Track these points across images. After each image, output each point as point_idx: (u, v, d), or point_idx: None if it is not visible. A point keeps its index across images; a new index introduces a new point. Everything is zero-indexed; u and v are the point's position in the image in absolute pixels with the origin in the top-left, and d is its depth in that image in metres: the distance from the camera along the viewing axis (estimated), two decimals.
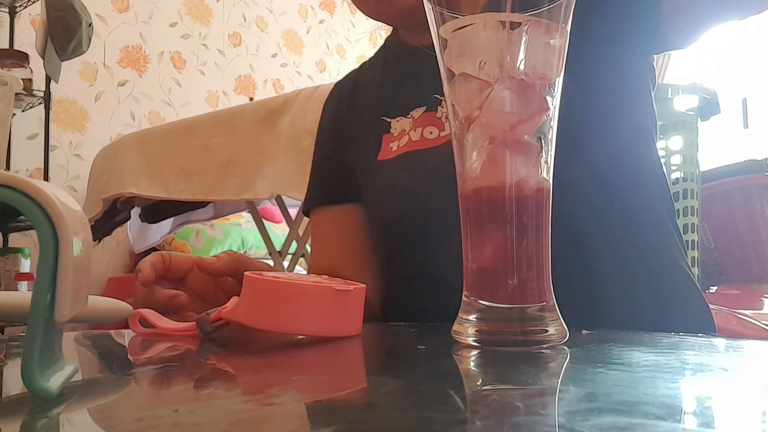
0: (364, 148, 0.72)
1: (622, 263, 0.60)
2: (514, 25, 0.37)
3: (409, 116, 0.69)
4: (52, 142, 2.54)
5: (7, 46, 2.47)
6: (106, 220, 1.97)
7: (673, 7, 0.58)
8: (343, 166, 0.76)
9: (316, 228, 0.79)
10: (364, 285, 0.44)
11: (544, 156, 0.38)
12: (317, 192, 0.79)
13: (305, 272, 1.15)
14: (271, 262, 1.84)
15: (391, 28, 0.80)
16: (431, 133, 0.65)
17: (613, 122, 0.62)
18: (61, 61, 2.01)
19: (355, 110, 0.77)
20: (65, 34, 1.97)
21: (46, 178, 2.45)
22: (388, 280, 0.73)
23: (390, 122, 0.70)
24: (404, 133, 0.68)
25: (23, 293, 0.43)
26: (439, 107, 0.66)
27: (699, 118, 1.30)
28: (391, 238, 0.71)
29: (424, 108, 0.68)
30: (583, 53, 0.56)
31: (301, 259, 1.85)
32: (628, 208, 0.62)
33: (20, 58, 2.26)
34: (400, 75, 0.74)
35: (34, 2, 2.44)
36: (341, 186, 0.76)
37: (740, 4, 0.56)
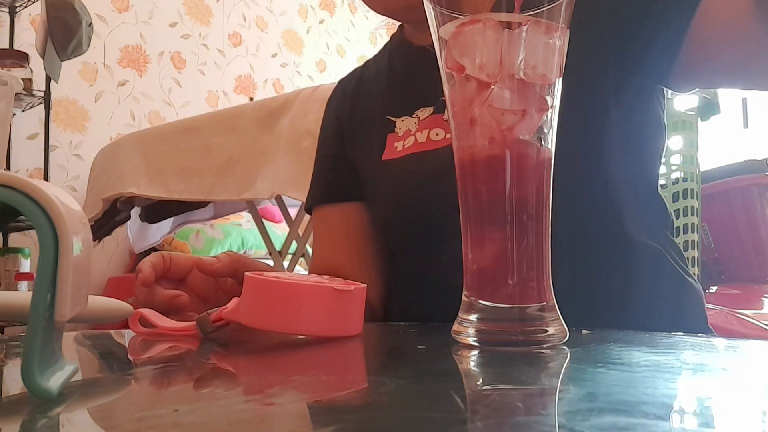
0: (368, 147, 0.72)
1: (611, 261, 0.60)
2: (514, 25, 0.37)
3: (414, 116, 0.69)
4: (52, 142, 2.55)
5: (7, 46, 2.47)
6: (106, 220, 1.97)
7: (689, 67, 0.58)
8: (347, 165, 0.76)
9: (318, 226, 0.79)
10: (365, 285, 0.44)
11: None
12: (320, 190, 0.79)
13: (305, 272, 1.15)
14: (271, 262, 1.84)
15: (395, 27, 0.80)
16: (437, 135, 0.65)
17: (621, 145, 0.61)
18: (61, 61, 2.01)
19: (359, 108, 0.77)
20: (65, 34, 1.97)
21: (46, 178, 2.45)
22: (390, 280, 0.73)
23: (395, 121, 0.70)
24: (409, 133, 0.68)
25: (23, 293, 0.43)
26: (446, 109, 0.66)
27: (699, 118, 1.30)
28: (393, 238, 0.71)
29: (431, 109, 0.67)
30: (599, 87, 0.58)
31: (301, 259, 1.85)
32: (619, 207, 0.61)
33: (20, 58, 2.26)
34: (407, 74, 0.73)
35: (34, 2, 2.44)
36: (344, 184, 0.76)
37: (754, 82, 0.58)
